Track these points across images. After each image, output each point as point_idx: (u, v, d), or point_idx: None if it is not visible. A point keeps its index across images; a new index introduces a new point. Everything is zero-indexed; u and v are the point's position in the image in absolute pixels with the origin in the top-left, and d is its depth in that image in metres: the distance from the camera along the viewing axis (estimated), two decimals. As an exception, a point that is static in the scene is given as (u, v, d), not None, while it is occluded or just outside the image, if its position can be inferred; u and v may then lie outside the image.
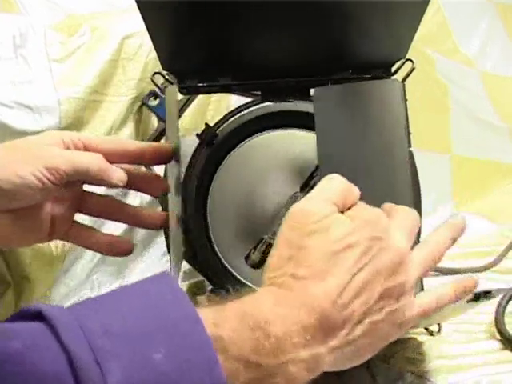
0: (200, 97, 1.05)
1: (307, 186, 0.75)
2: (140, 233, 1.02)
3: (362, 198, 0.55)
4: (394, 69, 0.74)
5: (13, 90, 0.88)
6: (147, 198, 1.02)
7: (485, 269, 1.09)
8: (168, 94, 0.71)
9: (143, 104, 1.00)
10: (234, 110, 0.77)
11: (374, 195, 0.67)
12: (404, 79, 0.72)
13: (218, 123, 0.77)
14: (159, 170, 0.81)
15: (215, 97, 1.08)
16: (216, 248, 0.75)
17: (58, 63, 0.93)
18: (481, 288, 0.60)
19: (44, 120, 0.88)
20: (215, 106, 1.07)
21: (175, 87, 0.73)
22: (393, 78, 0.74)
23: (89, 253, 0.95)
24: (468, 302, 0.60)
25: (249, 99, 0.79)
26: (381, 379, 0.71)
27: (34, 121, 0.87)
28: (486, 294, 0.59)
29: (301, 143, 0.75)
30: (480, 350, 0.77)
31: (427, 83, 1.42)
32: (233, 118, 0.77)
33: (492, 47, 1.69)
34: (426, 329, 0.80)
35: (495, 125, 1.55)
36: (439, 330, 0.79)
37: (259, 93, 0.78)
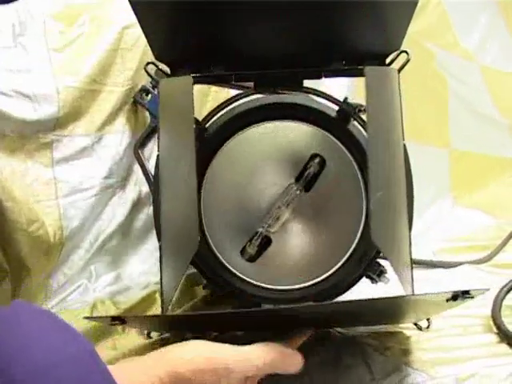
0: (199, 88, 1.05)
1: (302, 176, 0.75)
2: (136, 225, 1.02)
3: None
4: (388, 60, 0.74)
5: (12, 79, 0.88)
6: (145, 191, 1.02)
7: (481, 262, 1.09)
8: (162, 87, 0.70)
9: (135, 101, 0.99)
10: (222, 104, 0.77)
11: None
12: (399, 70, 0.71)
13: (207, 117, 0.76)
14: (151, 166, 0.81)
15: (214, 87, 1.08)
16: (211, 243, 0.75)
17: (57, 52, 0.93)
18: (463, 287, 0.60)
19: (42, 109, 0.88)
20: (215, 97, 1.07)
21: (169, 80, 0.72)
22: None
23: (86, 242, 0.95)
24: (447, 301, 0.59)
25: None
26: (377, 371, 0.71)
27: (33, 109, 0.87)
28: (464, 294, 0.58)
29: (293, 134, 0.75)
30: (476, 343, 0.78)
31: (426, 77, 1.42)
32: (222, 112, 0.77)
33: (492, 42, 1.69)
34: (416, 324, 0.80)
35: (494, 119, 1.55)
36: (428, 326, 0.79)
37: (248, 85, 0.77)
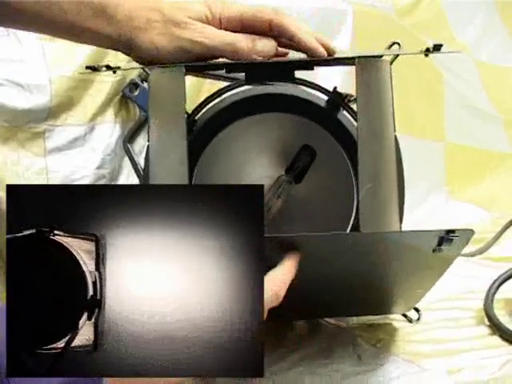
0: (192, 82, 1.04)
1: (292, 167, 0.75)
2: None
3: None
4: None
5: (4, 68, 0.87)
6: (137, 182, 1.01)
7: (474, 255, 1.09)
8: (152, 77, 0.69)
9: (124, 95, 0.99)
10: (211, 96, 0.76)
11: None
12: (391, 62, 0.71)
13: (197, 109, 0.76)
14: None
15: (209, 79, 1.07)
16: None
17: (49, 42, 0.93)
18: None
19: (35, 98, 0.88)
20: (209, 89, 1.06)
21: (160, 70, 0.71)
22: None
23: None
24: (433, 251, 0.57)
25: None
26: (368, 362, 0.71)
27: (25, 99, 0.87)
28: (449, 234, 0.55)
29: (283, 126, 0.74)
30: (468, 336, 0.78)
31: (422, 71, 1.42)
32: (212, 104, 0.76)
33: (488, 37, 1.69)
34: (405, 316, 0.79)
35: (489, 114, 1.55)
36: (419, 318, 0.79)
37: (239, 76, 0.77)
